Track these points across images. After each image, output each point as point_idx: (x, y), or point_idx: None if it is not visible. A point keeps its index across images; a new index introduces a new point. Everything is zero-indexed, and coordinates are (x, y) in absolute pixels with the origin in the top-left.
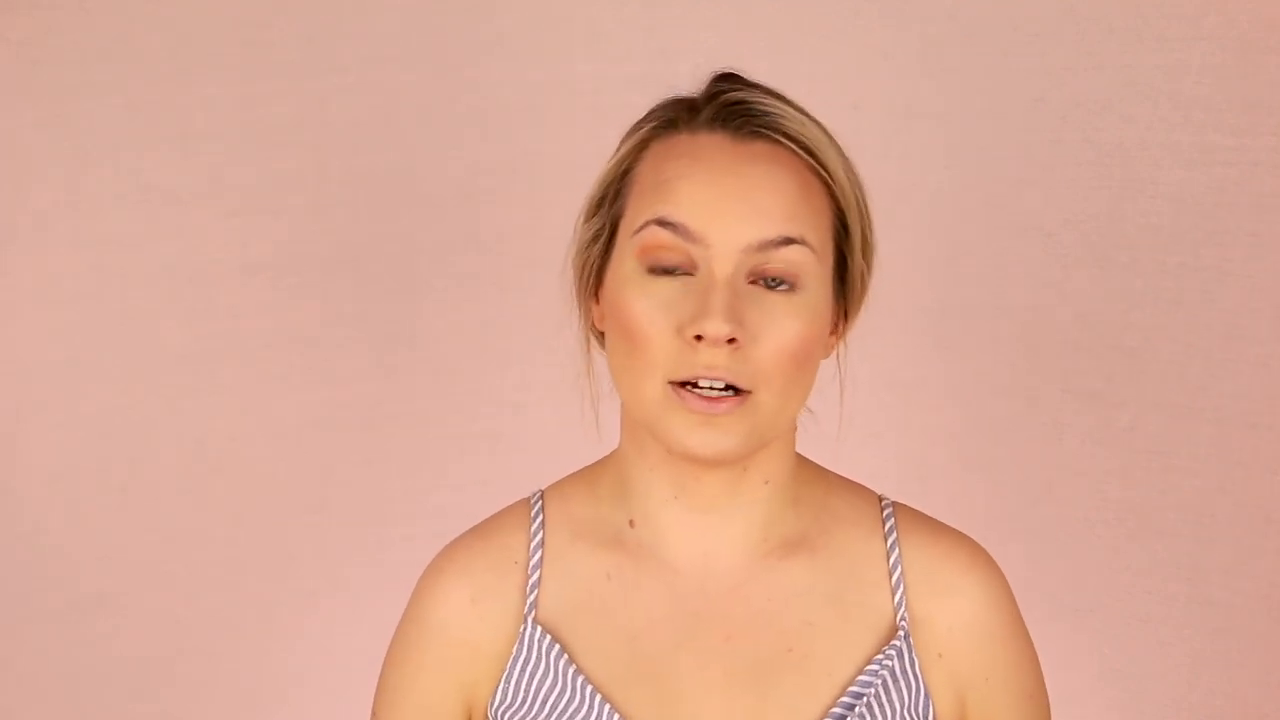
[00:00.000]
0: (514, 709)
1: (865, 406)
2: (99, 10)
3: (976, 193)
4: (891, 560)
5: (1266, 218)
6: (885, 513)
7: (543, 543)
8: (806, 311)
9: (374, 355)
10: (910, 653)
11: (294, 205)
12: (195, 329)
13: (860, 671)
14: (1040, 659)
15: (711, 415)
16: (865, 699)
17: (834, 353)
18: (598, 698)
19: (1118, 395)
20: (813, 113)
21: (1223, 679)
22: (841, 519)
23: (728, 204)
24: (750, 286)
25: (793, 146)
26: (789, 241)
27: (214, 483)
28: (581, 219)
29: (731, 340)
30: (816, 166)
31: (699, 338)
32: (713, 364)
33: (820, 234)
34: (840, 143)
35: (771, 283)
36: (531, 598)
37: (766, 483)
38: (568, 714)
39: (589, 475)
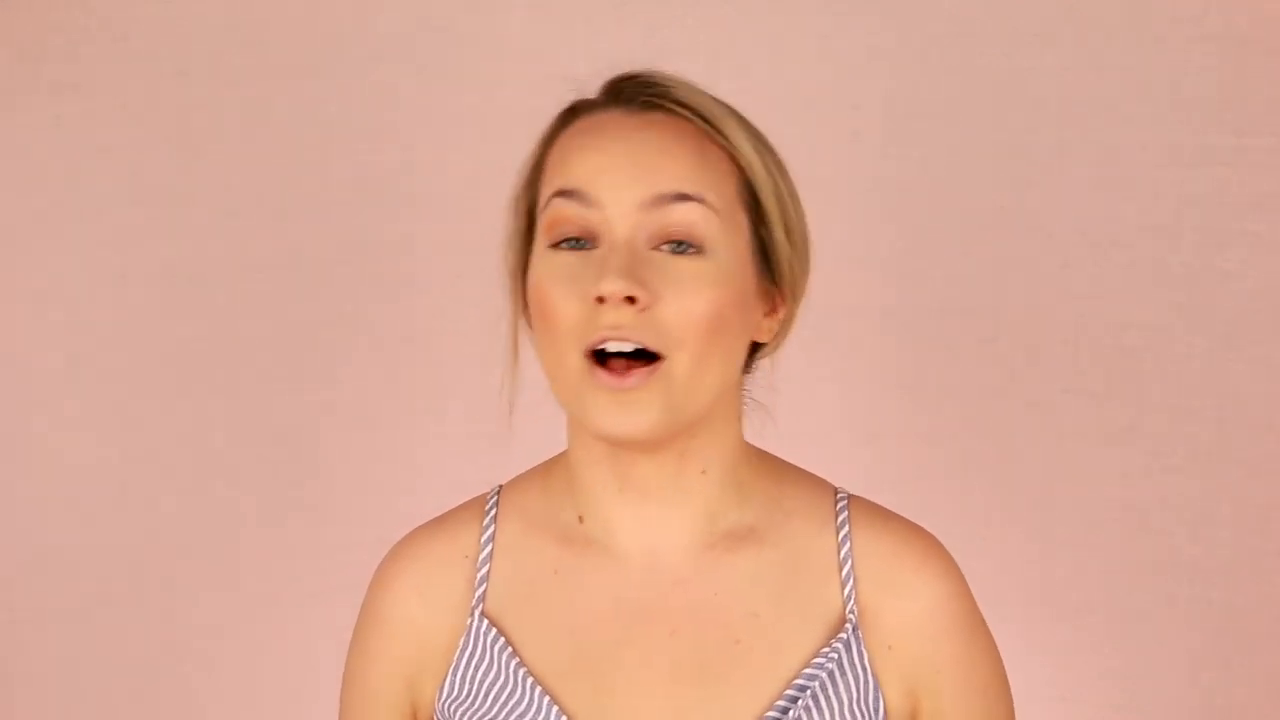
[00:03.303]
0: (460, 702)
1: (865, 407)
2: (99, 10)
3: (977, 193)
4: (842, 553)
5: (1266, 218)
6: (839, 505)
7: (494, 537)
8: (715, 274)
9: (374, 355)
10: (859, 645)
11: (294, 205)
12: (195, 329)
13: (806, 664)
14: (1040, 659)
15: (622, 392)
16: (810, 691)
17: (772, 341)
18: (538, 690)
19: (1118, 395)
20: (765, 112)
21: (1223, 679)
22: (793, 512)
23: (620, 165)
24: (654, 253)
25: (687, 114)
26: (684, 198)
27: (214, 483)
28: (509, 215)
29: (633, 300)
30: (716, 135)
31: (601, 300)
32: (617, 323)
33: (723, 197)
34: (757, 130)
35: (677, 247)
36: (479, 591)
37: (704, 472)
38: (509, 706)
39: (544, 470)
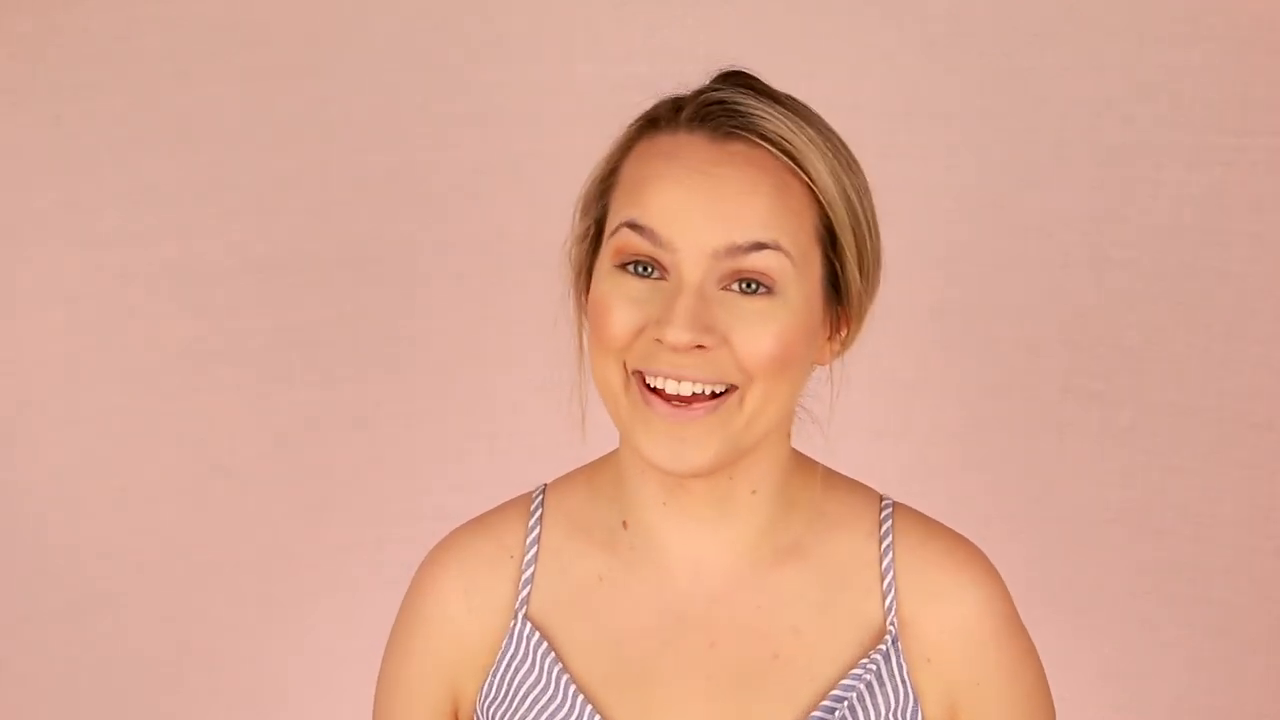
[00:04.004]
0: (498, 703)
1: (865, 406)
2: (99, 10)
3: (976, 193)
4: (884, 564)
5: (1266, 218)
6: (884, 514)
7: (539, 538)
8: (783, 316)
9: (374, 355)
10: (898, 657)
11: (294, 205)
12: (195, 329)
13: (844, 676)
14: (1040, 659)
15: (679, 424)
16: (847, 702)
17: (832, 361)
18: (580, 699)
19: (1118, 395)
20: (822, 116)
21: (1223, 679)
22: (836, 522)
23: (697, 207)
24: (723, 292)
25: (771, 149)
26: (760, 246)
27: (214, 483)
28: (576, 214)
29: (700, 347)
30: (798, 170)
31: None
32: (678, 364)
33: (800, 240)
34: (845, 151)
35: (746, 287)
36: (524, 593)
37: (754, 492)
38: (549, 711)
39: (590, 471)
